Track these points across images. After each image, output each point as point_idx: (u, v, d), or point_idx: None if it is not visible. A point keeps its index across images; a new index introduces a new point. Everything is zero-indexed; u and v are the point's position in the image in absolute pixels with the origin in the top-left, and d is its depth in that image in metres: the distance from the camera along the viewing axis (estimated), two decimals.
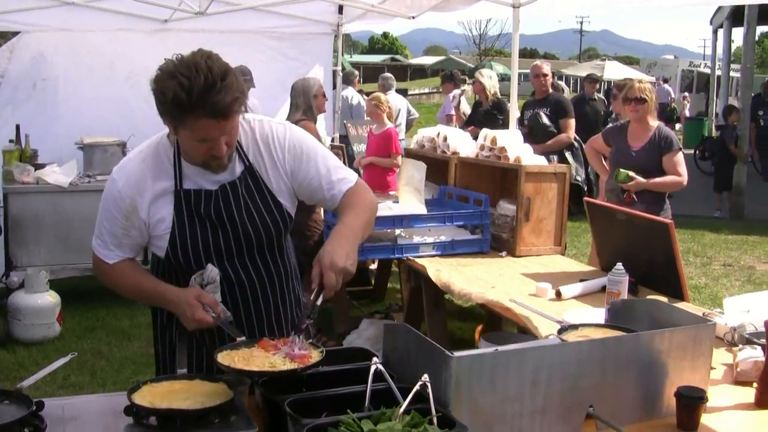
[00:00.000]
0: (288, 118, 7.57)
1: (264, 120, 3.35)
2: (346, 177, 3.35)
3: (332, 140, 10.96)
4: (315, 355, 2.88)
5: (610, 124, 9.01)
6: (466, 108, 12.15)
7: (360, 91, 15.22)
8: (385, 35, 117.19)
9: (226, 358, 2.86)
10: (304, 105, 7.55)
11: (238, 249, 3.27)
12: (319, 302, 2.98)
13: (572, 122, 9.90)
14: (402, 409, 2.50)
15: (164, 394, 2.70)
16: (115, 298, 8.85)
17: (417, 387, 2.54)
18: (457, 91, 14.21)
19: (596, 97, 15.33)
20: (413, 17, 9.66)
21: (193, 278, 3.20)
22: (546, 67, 10.43)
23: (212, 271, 3.20)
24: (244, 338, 3.00)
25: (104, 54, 9.90)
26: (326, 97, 7.78)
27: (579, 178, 9.97)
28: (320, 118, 10.58)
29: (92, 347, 7.63)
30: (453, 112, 13.83)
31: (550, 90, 10.23)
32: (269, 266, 3.39)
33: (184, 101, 2.85)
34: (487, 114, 10.39)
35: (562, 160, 9.52)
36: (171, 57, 3.01)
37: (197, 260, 3.21)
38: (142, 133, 9.18)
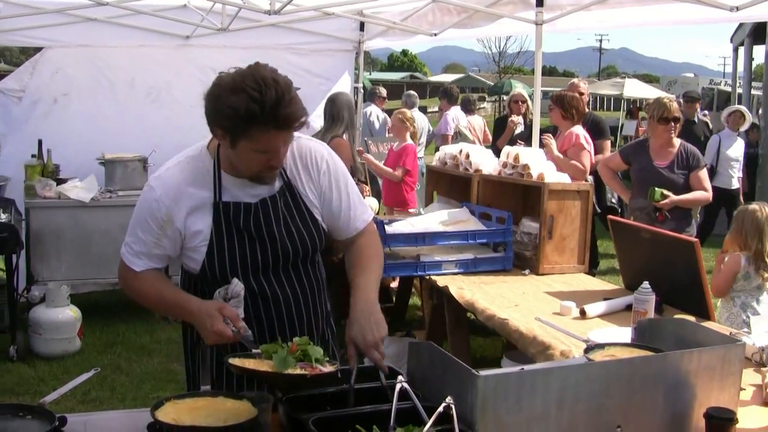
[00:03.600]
0: (326, 133, 7.58)
1: (302, 137, 3.39)
2: (363, 216, 3.47)
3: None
4: (328, 368, 2.88)
5: (631, 142, 8.92)
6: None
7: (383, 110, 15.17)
8: (404, 53, 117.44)
9: (237, 361, 2.89)
10: (348, 119, 7.55)
11: (274, 263, 3.30)
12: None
13: (609, 143, 9.82)
14: (426, 429, 2.48)
15: (187, 411, 2.68)
16: (135, 313, 8.96)
17: (441, 408, 2.52)
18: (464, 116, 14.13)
19: (697, 118, 13.74)
20: (435, 34, 9.65)
21: (218, 292, 3.19)
22: (584, 86, 10.35)
23: (237, 285, 3.19)
24: (260, 352, 2.96)
25: (125, 70, 9.92)
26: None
27: (614, 201, 9.89)
28: None
29: (112, 362, 7.64)
30: (450, 132, 13.72)
31: (587, 109, 10.09)
32: (302, 280, 3.41)
33: (257, 113, 2.89)
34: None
35: (598, 182, 9.41)
36: (226, 71, 3.08)
37: (233, 273, 3.22)
38: (163, 148, 9.32)
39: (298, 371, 2.83)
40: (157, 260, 3.31)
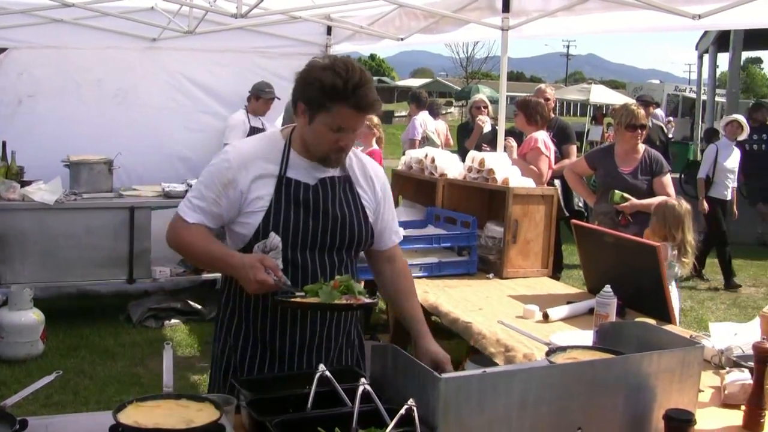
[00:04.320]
0: None
1: (359, 151, 3.82)
2: (398, 232, 3.88)
3: None
4: (369, 299, 3.34)
5: (596, 147, 8.96)
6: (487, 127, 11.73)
7: None
8: (372, 57, 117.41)
9: (284, 297, 3.25)
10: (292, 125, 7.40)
11: (322, 242, 3.49)
12: None
13: (575, 148, 9.86)
14: (388, 431, 2.49)
15: (150, 413, 2.67)
16: (99, 316, 8.92)
17: (403, 410, 2.53)
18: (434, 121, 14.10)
19: (651, 122, 12.44)
20: (402, 39, 9.66)
21: (257, 246, 3.39)
22: (550, 91, 10.40)
23: (275, 238, 3.38)
24: (303, 293, 3.27)
25: (92, 71, 9.86)
26: None
27: (581, 205, 9.94)
28: None
29: (75, 366, 7.59)
30: (418, 137, 13.71)
31: (553, 114, 10.12)
32: (344, 267, 3.60)
33: (340, 88, 3.21)
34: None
35: (566, 186, 9.44)
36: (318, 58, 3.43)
37: (284, 241, 3.40)
38: (129, 151, 9.29)
39: (344, 302, 3.22)
40: (210, 219, 3.48)
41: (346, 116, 3.28)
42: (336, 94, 3.22)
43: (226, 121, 9.97)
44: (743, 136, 12.61)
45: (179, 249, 3.62)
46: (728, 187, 12.35)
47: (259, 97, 9.77)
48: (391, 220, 3.79)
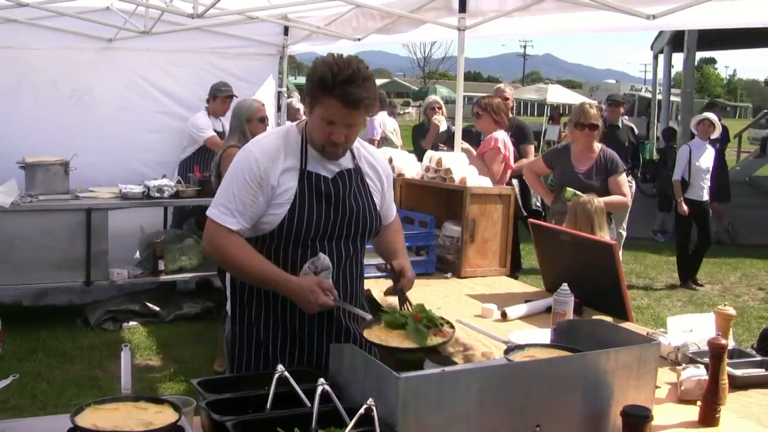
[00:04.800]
0: (224, 143, 7.33)
1: (365, 143, 3.98)
2: (393, 210, 4.11)
3: None
4: (449, 329, 3.49)
5: (554, 146, 8.99)
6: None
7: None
8: None
9: (374, 337, 3.43)
10: (238, 130, 7.23)
11: (339, 232, 3.68)
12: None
13: (532, 148, 9.91)
14: (348, 430, 2.50)
15: (108, 416, 2.66)
16: (57, 320, 8.84)
17: (362, 410, 2.54)
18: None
19: (621, 123, 12.64)
20: (359, 39, 9.67)
21: (306, 266, 3.56)
22: (509, 91, 10.44)
23: (325, 259, 3.58)
24: (370, 316, 3.52)
25: (47, 72, 9.76)
26: (265, 122, 7.45)
27: (539, 204, 9.98)
28: None
29: (33, 369, 7.51)
30: (377, 137, 13.70)
31: (511, 114, 10.14)
32: (355, 254, 3.82)
33: (328, 81, 3.37)
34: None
35: (524, 185, 9.47)
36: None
37: (307, 233, 3.58)
38: (86, 152, 9.19)
39: (436, 339, 3.39)
40: (250, 219, 3.55)
41: (335, 109, 3.42)
42: (324, 86, 3.38)
43: (189, 122, 9.83)
44: (716, 134, 12.34)
45: (222, 262, 3.71)
46: (704, 188, 11.98)
47: (216, 96, 9.68)
48: (390, 199, 4.02)
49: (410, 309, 3.63)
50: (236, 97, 9.50)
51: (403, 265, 3.88)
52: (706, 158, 11.91)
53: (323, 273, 3.57)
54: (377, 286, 5.50)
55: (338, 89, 3.36)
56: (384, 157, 4.04)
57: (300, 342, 3.72)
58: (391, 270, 3.82)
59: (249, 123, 7.15)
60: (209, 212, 3.58)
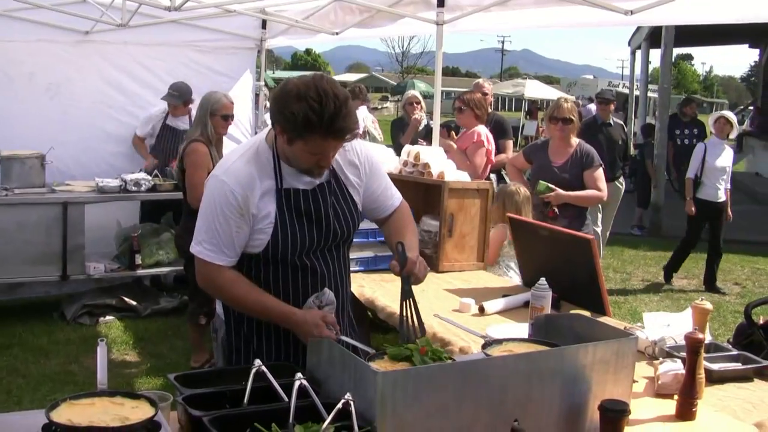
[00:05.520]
0: (188, 136, 7.26)
1: None
2: (396, 194, 4.00)
3: None
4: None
5: (534, 142, 8.98)
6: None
7: None
8: (308, 52, 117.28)
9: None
10: (201, 122, 7.10)
11: (324, 243, 3.64)
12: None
13: (511, 143, 9.91)
14: (325, 426, 2.49)
15: (84, 411, 2.64)
16: (32, 314, 8.80)
17: (340, 405, 2.53)
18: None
19: (612, 120, 12.24)
20: (337, 33, 9.66)
21: (311, 300, 3.55)
22: (488, 86, 10.44)
23: (330, 294, 3.58)
24: (373, 350, 3.22)
25: (24, 65, 9.67)
26: (229, 121, 7.34)
27: None
28: (241, 135, 10.44)
29: (8, 365, 7.47)
30: (359, 131, 13.65)
31: (490, 109, 10.13)
32: (341, 257, 3.79)
33: (315, 123, 3.22)
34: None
35: (501, 180, 9.47)
36: (292, 79, 3.38)
37: (293, 252, 3.54)
38: (62, 145, 9.14)
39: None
40: (239, 248, 3.51)
41: (324, 145, 3.33)
42: (311, 128, 3.24)
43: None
44: (734, 134, 11.85)
45: (221, 299, 3.74)
46: (719, 189, 11.31)
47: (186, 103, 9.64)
48: (383, 188, 3.90)
49: (412, 308, 3.50)
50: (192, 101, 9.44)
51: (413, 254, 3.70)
52: (724, 158, 11.38)
53: (327, 308, 3.55)
54: (354, 281, 5.53)
55: (328, 128, 3.25)
56: (360, 145, 3.85)
57: (295, 355, 3.64)
58: (402, 252, 3.58)
59: (212, 118, 7.07)
60: (194, 250, 3.51)
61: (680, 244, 11.95)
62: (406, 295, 3.50)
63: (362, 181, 3.78)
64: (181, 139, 8.55)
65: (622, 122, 12.89)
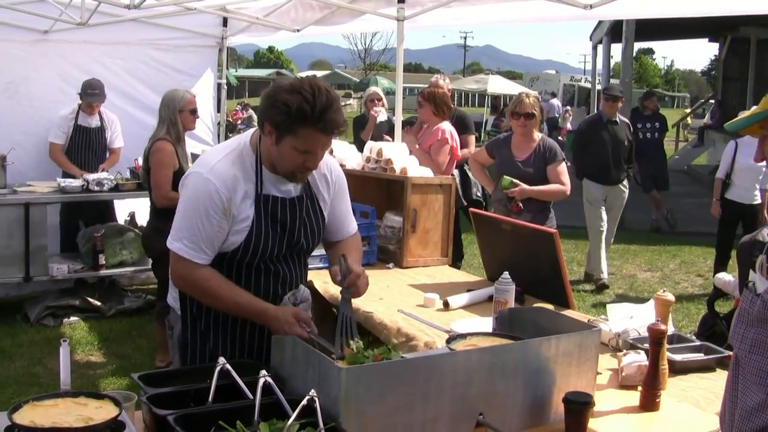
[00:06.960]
0: (152, 135, 7.13)
1: None
2: (353, 224, 4.02)
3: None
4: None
5: (497, 137, 8.98)
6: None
7: (246, 105, 14.95)
8: (270, 49, 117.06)
9: None
10: (167, 120, 7.03)
11: (292, 250, 3.71)
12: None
13: (473, 138, 9.92)
14: (290, 422, 2.49)
15: (47, 413, 2.62)
16: None
17: (304, 401, 2.53)
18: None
19: (619, 119, 11.39)
20: (298, 30, 9.65)
21: (287, 297, 3.62)
22: (443, 82, 10.46)
23: (305, 291, 3.68)
24: (340, 352, 3.22)
25: None
26: (196, 114, 7.32)
27: (479, 194, 9.99)
28: (203, 133, 10.41)
29: None
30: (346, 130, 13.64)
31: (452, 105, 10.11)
32: (301, 263, 3.83)
33: (308, 113, 3.25)
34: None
35: (464, 175, 9.48)
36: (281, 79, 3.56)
37: (261, 256, 3.58)
38: (22, 145, 9.07)
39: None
40: (217, 248, 3.53)
41: (314, 139, 3.34)
42: (304, 118, 3.26)
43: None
44: None
45: (196, 295, 3.65)
46: (752, 190, 10.45)
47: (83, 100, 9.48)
48: (345, 212, 3.95)
49: (349, 319, 3.48)
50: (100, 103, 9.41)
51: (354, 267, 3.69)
52: None
53: (302, 305, 3.60)
54: (319, 278, 5.53)
55: (320, 120, 3.27)
56: (334, 163, 3.91)
57: (250, 352, 3.69)
58: (345, 263, 3.56)
59: (180, 114, 7.03)
60: (173, 246, 3.50)
61: (716, 251, 11.25)
62: (346, 305, 3.52)
63: (329, 197, 3.81)
64: (95, 138, 9.03)
65: (627, 120, 12.12)
